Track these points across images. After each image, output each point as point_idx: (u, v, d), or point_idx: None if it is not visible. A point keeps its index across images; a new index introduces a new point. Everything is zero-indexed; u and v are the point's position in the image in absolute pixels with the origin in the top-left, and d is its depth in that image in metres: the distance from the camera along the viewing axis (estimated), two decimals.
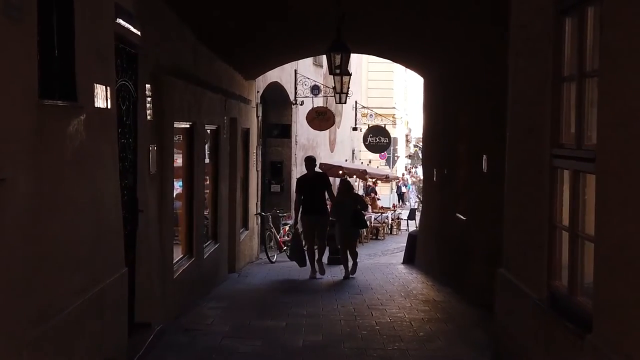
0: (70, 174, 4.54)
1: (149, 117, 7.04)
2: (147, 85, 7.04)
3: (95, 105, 5.09)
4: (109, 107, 5.41)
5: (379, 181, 31.07)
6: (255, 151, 15.62)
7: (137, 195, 6.72)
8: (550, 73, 4.99)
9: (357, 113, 28.77)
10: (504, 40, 8.35)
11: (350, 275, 12.12)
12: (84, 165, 4.81)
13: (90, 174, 4.94)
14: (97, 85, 5.14)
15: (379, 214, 25.44)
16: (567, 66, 4.86)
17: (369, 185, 30.08)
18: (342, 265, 12.46)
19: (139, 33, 6.61)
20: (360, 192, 28.36)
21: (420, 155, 50.10)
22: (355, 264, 12.40)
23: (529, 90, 5.59)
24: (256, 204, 15.93)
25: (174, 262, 8.36)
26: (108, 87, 5.40)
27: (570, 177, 4.61)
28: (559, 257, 4.94)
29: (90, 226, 4.89)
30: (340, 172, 22.68)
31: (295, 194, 12.86)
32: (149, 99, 7.07)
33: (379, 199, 29.67)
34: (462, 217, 10.99)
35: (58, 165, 4.34)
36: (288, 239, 16.75)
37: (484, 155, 9.50)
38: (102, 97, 5.23)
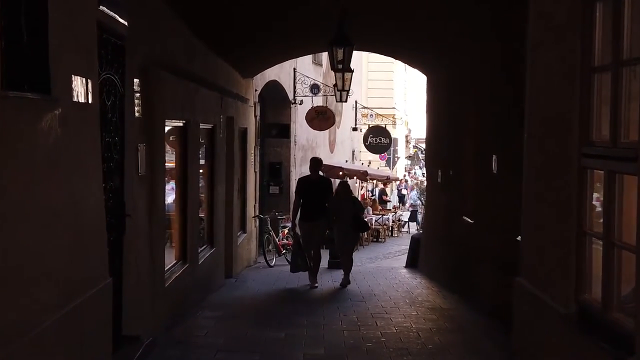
0: (42, 176, 4.04)
1: (137, 114, 6.53)
2: (136, 80, 6.53)
3: (74, 99, 4.58)
4: (90, 101, 4.90)
5: (379, 182, 30.58)
6: (253, 152, 15.10)
7: (124, 198, 6.22)
8: (578, 63, 4.51)
9: (357, 113, 28.27)
10: (517, 33, 7.88)
11: (340, 285, 11.27)
12: (60, 165, 4.31)
13: (67, 175, 4.43)
14: (76, 77, 4.64)
15: (380, 215, 24.94)
16: (599, 55, 4.37)
17: (373, 187, 29.66)
18: (342, 270, 11.79)
19: (126, 23, 6.11)
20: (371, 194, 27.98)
21: (420, 156, 49.65)
22: (347, 275, 11.42)
23: (551, 84, 5.09)
24: (254, 206, 15.41)
25: (166, 269, 7.85)
26: (89, 80, 4.89)
27: (605, 178, 4.12)
28: (589, 268, 4.46)
29: (66, 234, 4.39)
30: (341, 173, 22.18)
31: (294, 195, 12.01)
32: (137, 94, 6.56)
33: (389, 201, 29.23)
34: (469, 219, 10.50)
35: (27, 166, 3.83)
36: (287, 242, 16.23)
37: (494, 156, 9.01)
38: (81, 91, 4.73)
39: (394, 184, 33.34)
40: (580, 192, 4.47)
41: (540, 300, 5.12)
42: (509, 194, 8.47)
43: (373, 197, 27.47)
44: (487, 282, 9.18)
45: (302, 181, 11.72)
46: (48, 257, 4.10)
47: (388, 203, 28.66)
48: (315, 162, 11.73)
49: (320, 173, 12.51)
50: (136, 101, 6.52)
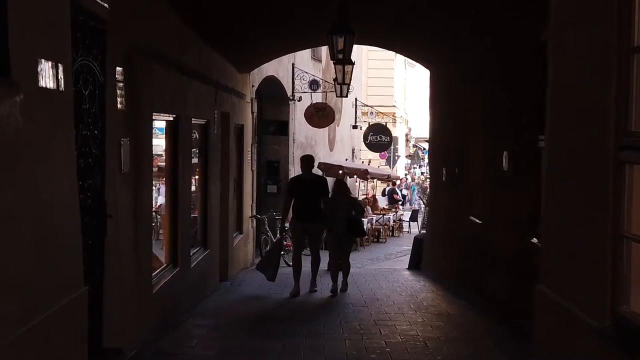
0: None
1: (120, 106, 5.98)
2: (119, 68, 5.98)
3: (40, 85, 4.03)
4: (60, 88, 4.34)
5: (379, 181, 30.06)
6: (250, 149, 14.54)
7: (105, 197, 5.66)
8: (614, 43, 3.95)
9: (358, 111, 27.71)
10: (531, 17, 7.36)
11: (340, 291, 10.46)
12: (21, 160, 3.75)
13: (29, 171, 3.88)
14: (43, 60, 4.08)
15: (380, 215, 24.38)
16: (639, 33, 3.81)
17: (390, 186, 29.18)
18: (340, 273, 10.77)
19: (106, 5, 5.57)
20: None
21: (419, 155, 49.07)
22: (346, 279, 10.70)
23: (581, 68, 4.53)
24: (251, 206, 14.86)
25: (154, 273, 7.31)
26: (60, 64, 4.33)
27: None
28: (628, 276, 3.90)
29: (28, 239, 3.83)
30: (340, 172, 21.64)
31: (285, 196, 11.15)
32: (120, 84, 6.00)
33: (400, 200, 28.82)
34: (477, 220, 9.96)
35: None
36: (286, 243, 15.64)
37: (504, 152, 8.47)
38: (50, 75, 4.17)
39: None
40: (617, 189, 3.92)
41: (567, 312, 4.56)
42: (521, 193, 7.96)
43: (374, 197, 26.92)
44: (498, 287, 8.65)
45: (293, 181, 11.01)
46: (5, 265, 3.54)
47: (398, 202, 28.17)
48: (307, 160, 10.79)
49: (319, 172, 11.78)
50: (119, 91, 5.97)
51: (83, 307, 4.69)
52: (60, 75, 4.34)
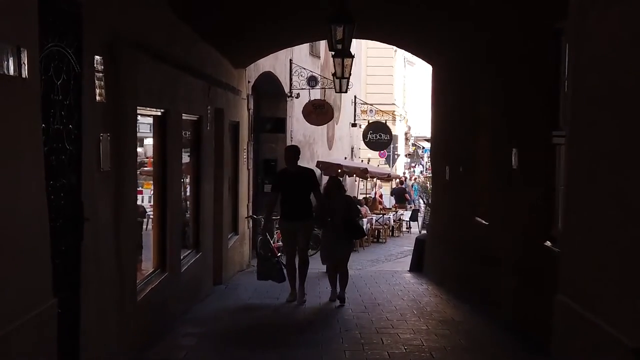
0: None
1: (99, 98, 5.48)
2: (98, 57, 5.48)
3: None
4: (24, 75, 3.85)
5: (379, 181, 29.59)
6: (245, 148, 14.03)
7: (81, 198, 5.16)
8: None
9: (357, 109, 27.22)
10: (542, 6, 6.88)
11: (339, 303, 9.32)
12: None
13: None
14: (1, 43, 3.59)
15: (380, 215, 23.88)
16: None
17: (399, 186, 28.80)
18: (337, 275, 9.84)
19: None
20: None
21: (419, 153, 48.61)
22: (343, 290, 9.55)
23: (609, 55, 4.05)
24: (247, 206, 14.37)
25: (140, 280, 6.81)
26: (23, 49, 3.84)
27: None
28: None
29: None
30: (339, 170, 21.14)
31: (271, 191, 10.06)
32: (99, 74, 5.50)
33: (408, 200, 28.53)
34: (483, 221, 9.48)
35: None
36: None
37: (514, 149, 7.98)
38: (10, 61, 3.68)
39: (394, 182, 32.26)
40: None
41: (593, 326, 4.08)
42: (532, 192, 7.48)
43: (381, 196, 26.54)
44: (506, 292, 8.16)
45: (279, 175, 10.11)
46: None
47: (407, 202, 27.82)
48: (292, 151, 9.78)
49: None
50: (98, 82, 5.46)
51: (51, 321, 4.20)
52: (24, 61, 3.85)
